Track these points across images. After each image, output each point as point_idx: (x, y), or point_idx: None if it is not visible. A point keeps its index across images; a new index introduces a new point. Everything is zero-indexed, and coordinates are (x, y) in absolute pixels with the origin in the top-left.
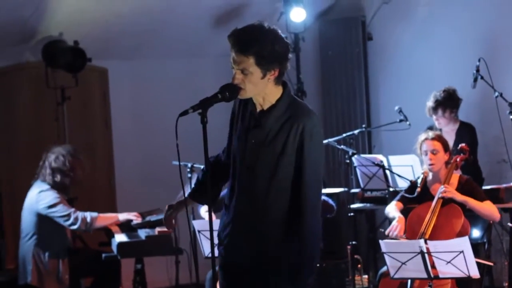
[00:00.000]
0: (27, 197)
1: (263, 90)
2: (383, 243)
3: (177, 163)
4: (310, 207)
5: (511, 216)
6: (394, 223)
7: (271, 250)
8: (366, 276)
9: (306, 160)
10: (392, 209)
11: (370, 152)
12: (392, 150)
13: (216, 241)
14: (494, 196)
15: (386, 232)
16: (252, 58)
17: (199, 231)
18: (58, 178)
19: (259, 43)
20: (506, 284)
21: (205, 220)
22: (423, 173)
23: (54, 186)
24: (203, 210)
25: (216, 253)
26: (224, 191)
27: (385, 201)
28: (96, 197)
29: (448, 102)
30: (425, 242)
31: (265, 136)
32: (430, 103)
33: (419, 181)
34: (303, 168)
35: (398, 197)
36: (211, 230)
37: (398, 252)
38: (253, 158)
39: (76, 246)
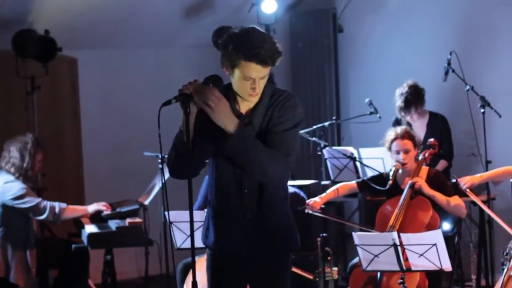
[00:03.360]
0: None
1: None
2: (356, 235)
3: (148, 153)
4: None
5: (481, 209)
6: (315, 198)
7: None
8: (335, 268)
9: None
10: (331, 188)
11: (339, 144)
12: (361, 143)
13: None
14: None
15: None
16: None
17: (171, 222)
18: (21, 167)
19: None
20: (475, 277)
21: (178, 211)
22: (395, 166)
23: (19, 176)
24: None
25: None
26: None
27: (354, 194)
28: (64, 187)
29: (417, 98)
30: (398, 235)
31: (255, 131)
32: (399, 103)
33: (391, 173)
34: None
35: (359, 179)
36: (191, 222)
37: (371, 244)
38: None
39: (44, 237)
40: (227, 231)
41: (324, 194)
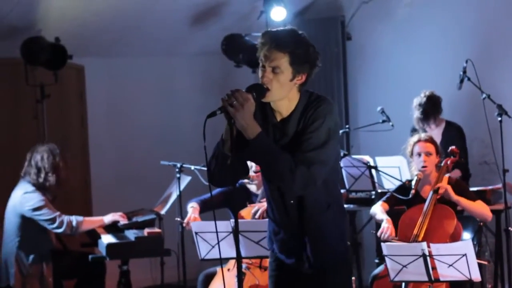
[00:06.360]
0: (11, 197)
1: (287, 95)
2: (384, 246)
3: (165, 163)
4: None
5: (497, 218)
6: (384, 225)
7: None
8: (353, 278)
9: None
10: (379, 211)
11: (348, 153)
12: (370, 151)
13: None
14: (480, 197)
15: (378, 234)
16: (287, 56)
17: (196, 233)
18: (42, 178)
19: (296, 41)
20: (490, 286)
21: (203, 222)
22: (417, 175)
23: (39, 187)
24: (189, 205)
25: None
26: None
27: (369, 203)
28: (71, 196)
29: (435, 108)
30: (428, 245)
31: (291, 142)
32: (418, 114)
33: (413, 183)
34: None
35: (384, 197)
36: (236, 233)
37: (399, 254)
38: None
39: (59, 248)
40: (280, 243)
41: (385, 220)
